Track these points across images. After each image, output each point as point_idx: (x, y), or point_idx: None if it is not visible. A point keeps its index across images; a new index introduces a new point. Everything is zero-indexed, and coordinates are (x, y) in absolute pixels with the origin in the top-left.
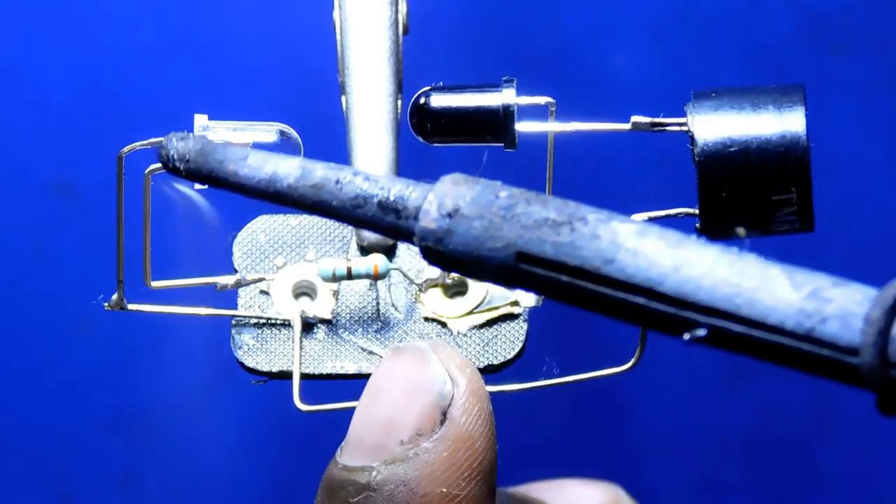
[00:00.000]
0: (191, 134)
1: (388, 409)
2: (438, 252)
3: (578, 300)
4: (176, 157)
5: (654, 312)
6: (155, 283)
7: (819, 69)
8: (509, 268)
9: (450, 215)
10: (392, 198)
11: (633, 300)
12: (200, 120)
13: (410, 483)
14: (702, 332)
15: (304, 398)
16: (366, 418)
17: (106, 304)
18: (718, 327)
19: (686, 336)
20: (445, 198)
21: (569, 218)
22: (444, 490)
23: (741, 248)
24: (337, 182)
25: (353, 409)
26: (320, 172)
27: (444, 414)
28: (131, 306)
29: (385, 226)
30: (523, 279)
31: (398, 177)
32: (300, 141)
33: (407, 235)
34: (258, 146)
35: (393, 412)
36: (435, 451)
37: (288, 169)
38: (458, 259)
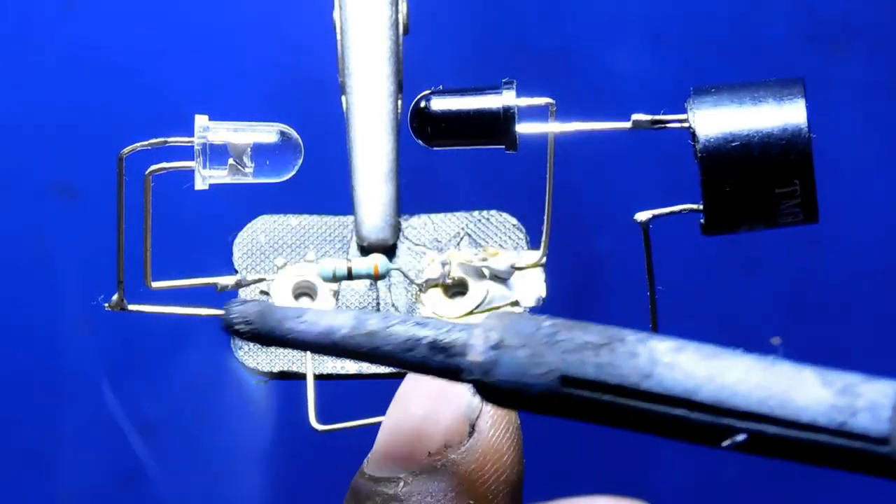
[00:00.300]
0: (249, 299)
1: (415, 420)
2: (487, 385)
3: (622, 419)
4: (238, 321)
5: (694, 423)
6: (155, 284)
7: (819, 69)
8: (554, 392)
9: (495, 347)
10: (441, 338)
11: (673, 412)
12: (201, 120)
13: (438, 495)
14: (741, 438)
15: (317, 421)
16: (393, 429)
17: (106, 305)
18: (756, 431)
19: (725, 443)
20: (491, 332)
21: (608, 339)
22: (472, 502)
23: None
24: (388, 328)
25: (369, 426)
26: (373, 322)
27: (472, 426)
28: (132, 307)
29: (436, 366)
30: (569, 404)
31: (443, 321)
32: (300, 141)
33: (456, 374)
34: (258, 146)
35: (420, 423)
36: (463, 463)
37: (342, 321)
38: (505, 389)
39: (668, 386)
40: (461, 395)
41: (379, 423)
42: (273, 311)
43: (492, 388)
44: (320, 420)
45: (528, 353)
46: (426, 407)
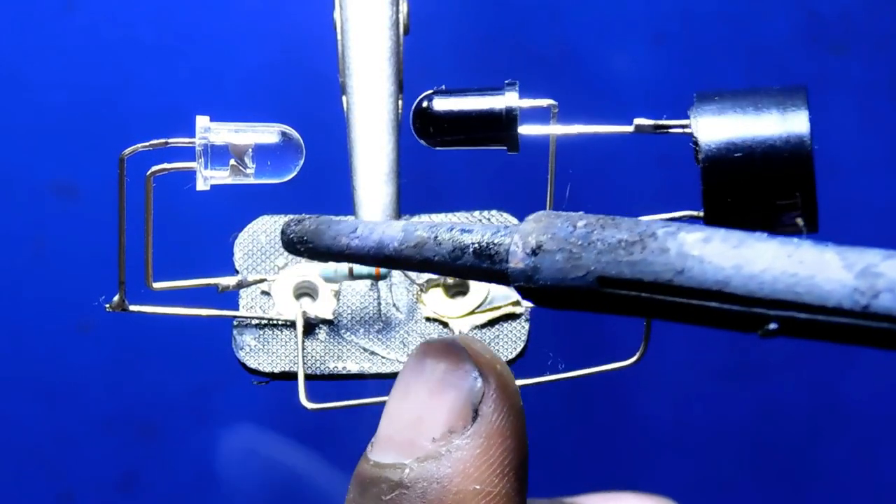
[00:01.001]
0: (306, 216)
1: (418, 406)
2: (531, 289)
3: (661, 313)
4: (296, 239)
5: (728, 313)
6: (156, 285)
7: (820, 70)
8: (594, 292)
9: (534, 252)
10: (485, 243)
11: (707, 305)
12: (202, 121)
13: (443, 480)
14: (773, 326)
15: (307, 395)
16: (396, 415)
17: (108, 306)
18: (786, 318)
19: (760, 332)
20: (529, 237)
21: (639, 236)
22: (477, 487)
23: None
24: (436, 238)
25: (359, 406)
26: (420, 233)
27: (476, 410)
28: (133, 307)
29: (483, 272)
30: (609, 303)
31: (491, 224)
32: (302, 142)
33: (504, 278)
34: (260, 147)
35: (423, 409)
36: (467, 448)
37: (392, 233)
38: (548, 293)
39: (700, 280)
40: (463, 380)
41: (369, 405)
42: (329, 228)
43: (536, 292)
44: (312, 399)
45: (566, 257)
46: (428, 392)
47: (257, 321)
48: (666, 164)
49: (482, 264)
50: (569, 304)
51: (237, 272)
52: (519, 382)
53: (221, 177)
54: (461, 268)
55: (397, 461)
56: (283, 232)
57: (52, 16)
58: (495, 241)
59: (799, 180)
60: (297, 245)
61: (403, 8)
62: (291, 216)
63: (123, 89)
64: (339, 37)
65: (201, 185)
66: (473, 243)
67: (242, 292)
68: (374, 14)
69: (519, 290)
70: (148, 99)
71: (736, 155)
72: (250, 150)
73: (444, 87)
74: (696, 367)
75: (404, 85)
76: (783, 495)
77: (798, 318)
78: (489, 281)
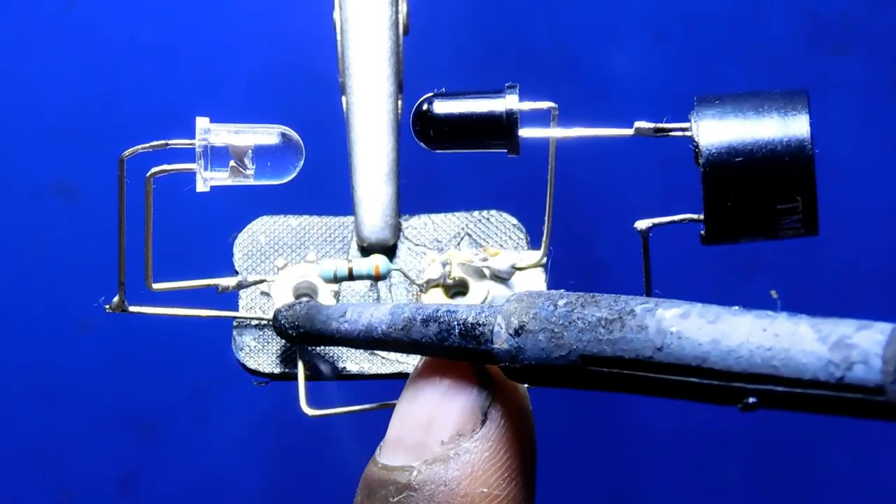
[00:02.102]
0: (295, 302)
1: (427, 409)
2: (516, 370)
3: (643, 389)
4: (287, 325)
5: (708, 388)
6: (156, 285)
7: (820, 70)
8: (577, 370)
9: (517, 333)
10: (470, 324)
11: (688, 380)
12: (202, 123)
13: (451, 483)
14: (752, 400)
15: (308, 401)
16: (405, 417)
17: (107, 307)
18: (764, 391)
19: (740, 406)
20: (511, 317)
21: (618, 314)
22: (486, 490)
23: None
24: (423, 319)
25: (359, 412)
26: (407, 314)
27: (485, 414)
28: (133, 308)
29: (470, 353)
30: (592, 380)
31: (472, 305)
32: (301, 143)
33: (490, 358)
34: (260, 148)
35: (432, 412)
36: (476, 451)
37: (380, 316)
38: (533, 372)
39: (679, 356)
40: (472, 384)
41: (368, 410)
42: (318, 313)
43: (521, 372)
44: (313, 406)
45: (548, 336)
46: (437, 396)
47: (257, 322)
48: (666, 167)
49: (468, 345)
50: (554, 382)
51: (237, 273)
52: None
53: (221, 178)
54: (449, 349)
55: (405, 464)
56: (274, 317)
57: (52, 16)
58: (480, 322)
59: (799, 185)
60: (290, 331)
61: (403, 8)
62: (283, 305)
63: (123, 89)
64: (338, 37)
65: (201, 187)
66: (459, 323)
67: (242, 293)
68: (373, 14)
69: (504, 370)
70: (148, 99)
71: (736, 159)
72: (250, 151)
73: (444, 89)
74: None
75: (404, 85)
76: (783, 497)
77: (776, 392)
78: (477, 361)
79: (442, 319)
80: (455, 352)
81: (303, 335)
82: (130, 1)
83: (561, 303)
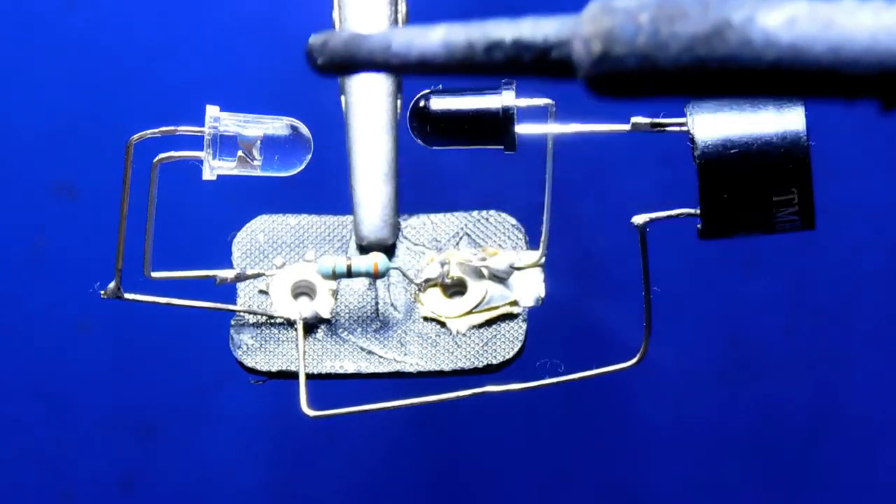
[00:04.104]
0: (329, 36)
1: None
2: (608, 75)
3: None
4: (324, 62)
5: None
6: (155, 274)
7: None
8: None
9: (601, 61)
10: (542, 47)
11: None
12: (212, 111)
13: None
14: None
15: (308, 401)
16: None
17: (102, 292)
18: None
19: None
20: (592, 42)
21: (714, 26)
22: None
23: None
24: (485, 49)
25: (361, 413)
26: (461, 42)
27: None
28: (128, 295)
29: (544, 68)
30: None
31: (541, 20)
32: (310, 137)
33: (568, 71)
34: (268, 140)
35: None
36: None
37: (434, 50)
38: (627, 76)
39: (796, 62)
40: None
41: (368, 411)
42: (359, 49)
43: (615, 78)
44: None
45: (638, 61)
46: None
47: (255, 320)
48: (663, 162)
49: (544, 72)
50: (652, 89)
51: None
52: (519, 386)
53: (228, 167)
54: (523, 74)
55: None
56: (308, 55)
57: (52, 16)
58: (555, 43)
59: (795, 177)
60: (327, 70)
61: (403, 8)
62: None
63: (123, 89)
64: None
65: (207, 175)
66: (528, 48)
67: (240, 291)
68: (373, 14)
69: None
70: (148, 99)
71: (732, 152)
72: (259, 141)
73: (440, 86)
74: (696, 368)
75: (403, 84)
76: (783, 497)
77: None
78: (551, 77)
79: (507, 45)
80: (531, 75)
81: (345, 69)
82: (131, 1)
83: (643, 19)
